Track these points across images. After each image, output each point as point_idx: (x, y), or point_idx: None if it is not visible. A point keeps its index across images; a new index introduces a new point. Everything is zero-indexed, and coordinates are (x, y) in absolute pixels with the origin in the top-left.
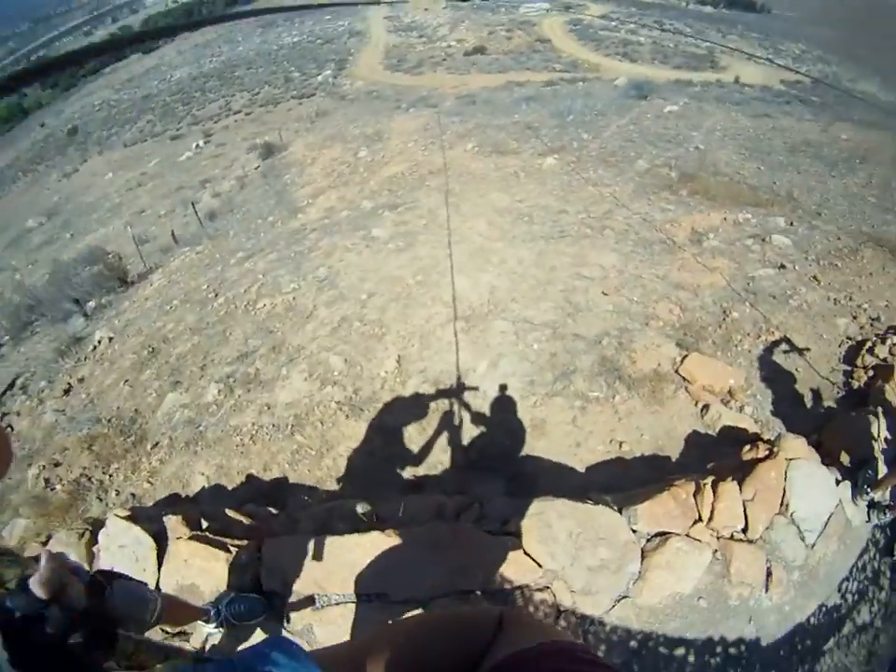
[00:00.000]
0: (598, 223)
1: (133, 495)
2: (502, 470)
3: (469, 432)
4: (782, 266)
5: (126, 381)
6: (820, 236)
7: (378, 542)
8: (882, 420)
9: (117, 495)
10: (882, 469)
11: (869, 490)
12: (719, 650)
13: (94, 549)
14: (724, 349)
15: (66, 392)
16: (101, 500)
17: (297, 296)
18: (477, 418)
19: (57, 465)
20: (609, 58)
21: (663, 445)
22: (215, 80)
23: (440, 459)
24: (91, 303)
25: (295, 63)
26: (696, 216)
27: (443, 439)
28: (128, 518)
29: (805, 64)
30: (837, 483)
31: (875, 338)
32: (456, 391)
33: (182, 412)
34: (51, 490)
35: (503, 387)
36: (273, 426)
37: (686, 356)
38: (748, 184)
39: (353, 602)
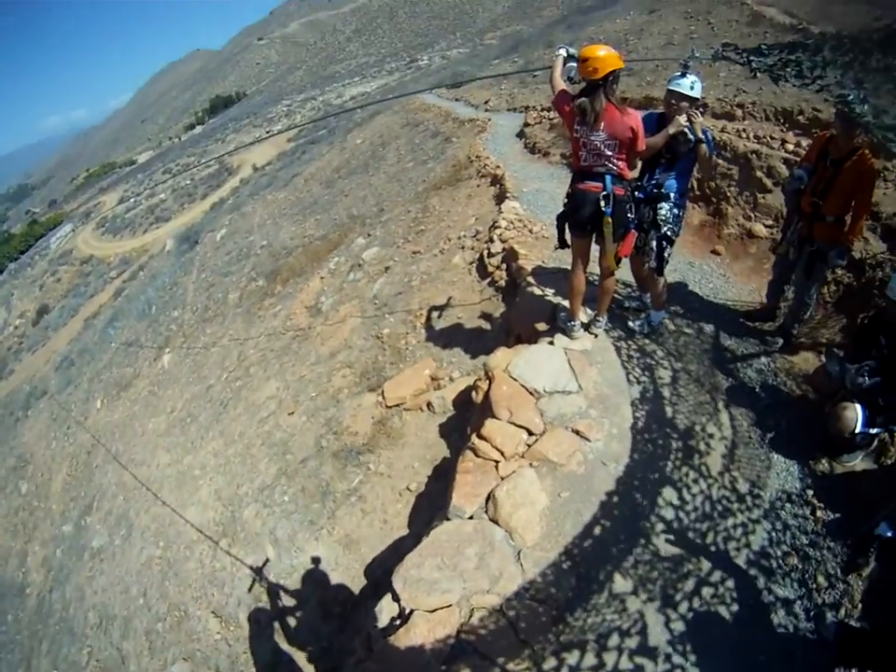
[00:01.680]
0: (240, 370)
1: None
2: (369, 597)
3: (314, 600)
4: (387, 268)
5: None
6: (395, 223)
7: None
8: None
9: None
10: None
11: (572, 323)
12: (615, 499)
13: None
14: (401, 359)
15: None
16: None
17: (97, 656)
18: (308, 586)
19: None
20: (148, 232)
21: (434, 456)
22: None
23: (322, 637)
24: None
25: None
26: (300, 296)
27: (305, 628)
28: None
29: (297, 113)
30: (551, 343)
31: (485, 245)
32: (274, 588)
33: None
34: None
35: (300, 548)
36: None
37: (382, 390)
38: (317, 238)
39: None
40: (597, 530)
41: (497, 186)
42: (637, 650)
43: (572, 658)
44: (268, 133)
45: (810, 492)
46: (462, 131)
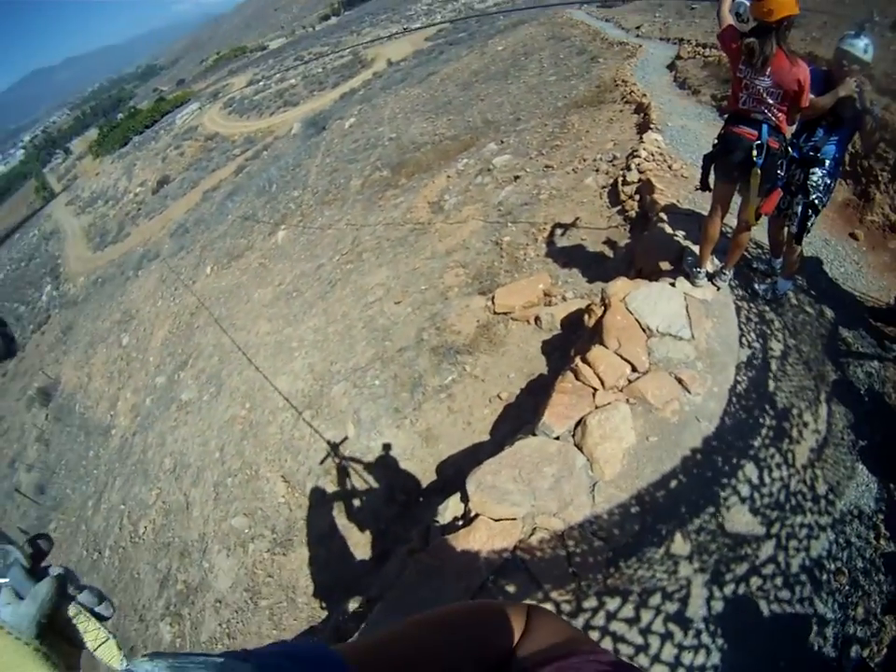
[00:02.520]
0: (353, 254)
1: None
2: (435, 492)
3: (382, 483)
4: (517, 177)
5: None
6: (530, 134)
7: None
8: (663, 224)
9: None
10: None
11: (698, 270)
12: (699, 457)
13: None
14: (517, 269)
15: None
16: None
17: (164, 498)
18: (379, 470)
19: None
20: (275, 115)
21: (531, 370)
22: None
23: (380, 520)
24: None
25: (14, 298)
26: (424, 191)
27: (366, 508)
28: None
29: (437, 14)
30: (672, 284)
31: (621, 172)
32: (346, 465)
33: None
34: None
35: (380, 432)
36: (237, 611)
37: (493, 296)
38: (448, 137)
39: None
40: (674, 484)
41: (641, 115)
42: (674, 616)
43: (612, 604)
44: (405, 29)
45: (881, 516)
46: (610, 52)
